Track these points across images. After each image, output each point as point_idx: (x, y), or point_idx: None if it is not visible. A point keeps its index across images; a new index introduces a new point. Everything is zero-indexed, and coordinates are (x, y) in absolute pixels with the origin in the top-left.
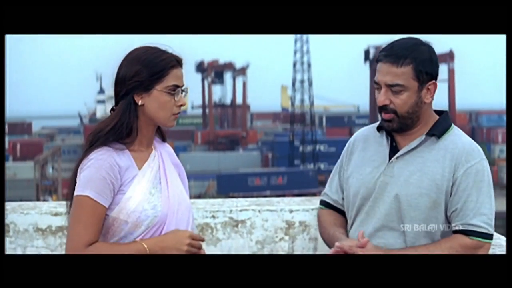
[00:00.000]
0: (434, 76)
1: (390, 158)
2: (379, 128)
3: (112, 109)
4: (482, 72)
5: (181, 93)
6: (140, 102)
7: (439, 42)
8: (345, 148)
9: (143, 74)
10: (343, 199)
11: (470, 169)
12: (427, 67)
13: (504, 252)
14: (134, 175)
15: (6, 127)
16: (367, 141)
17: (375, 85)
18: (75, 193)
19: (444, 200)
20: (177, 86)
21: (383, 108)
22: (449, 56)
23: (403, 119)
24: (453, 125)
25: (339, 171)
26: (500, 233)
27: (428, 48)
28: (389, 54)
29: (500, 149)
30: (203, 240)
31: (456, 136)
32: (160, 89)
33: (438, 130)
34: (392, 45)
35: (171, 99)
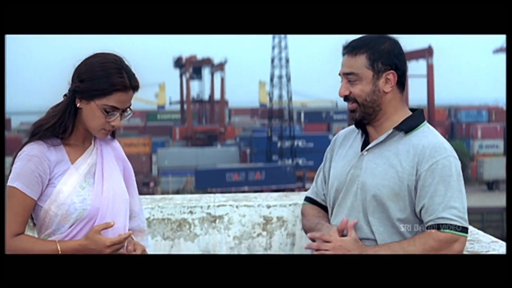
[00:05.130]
0: (393, 67)
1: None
2: (357, 125)
3: (64, 95)
4: (461, 67)
5: (122, 114)
6: (78, 105)
7: (418, 38)
8: (328, 147)
9: (87, 84)
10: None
11: (435, 164)
12: (383, 57)
13: (483, 248)
14: (66, 168)
15: None
16: (345, 138)
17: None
18: (7, 184)
19: (407, 194)
20: (116, 109)
21: (346, 99)
22: (428, 52)
23: (364, 108)
24: (425, 123)
25: (322, 168)
26: (481, 228)
27: (389, 41)
28: (347, 47)
29: (479, 145)
30: (128, 236)
31: (425, 133)
32: (98, 104)
33: (407, 125)
34: (352, 40)
35: (104, 117)
